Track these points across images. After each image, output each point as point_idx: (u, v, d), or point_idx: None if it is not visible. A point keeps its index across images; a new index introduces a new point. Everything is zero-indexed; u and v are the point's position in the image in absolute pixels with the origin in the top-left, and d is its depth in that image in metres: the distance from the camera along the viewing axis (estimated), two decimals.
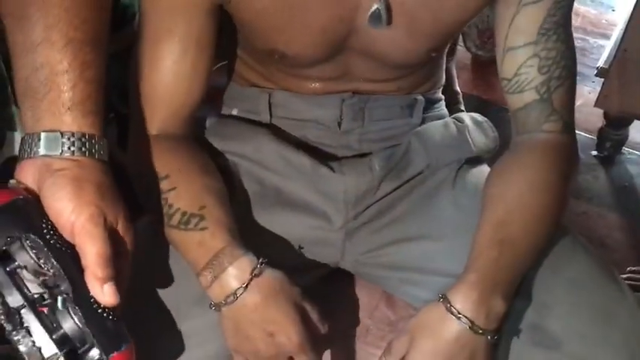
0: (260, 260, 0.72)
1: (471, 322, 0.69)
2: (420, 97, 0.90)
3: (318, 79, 0.84)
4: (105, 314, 0.61)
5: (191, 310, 0.76)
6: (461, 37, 1.77)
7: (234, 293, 0.70)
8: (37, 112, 0.62)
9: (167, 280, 0.77)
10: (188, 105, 0.79)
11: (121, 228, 0.63)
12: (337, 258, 0.87)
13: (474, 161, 0.89)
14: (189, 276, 0.75)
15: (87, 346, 0.60)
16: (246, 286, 0.70)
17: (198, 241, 0.72)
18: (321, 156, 0.86)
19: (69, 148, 0.61)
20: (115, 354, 0.60)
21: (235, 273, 0.70)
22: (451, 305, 0.69)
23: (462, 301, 0.69)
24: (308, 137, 0.88)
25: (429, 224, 0.84)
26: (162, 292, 0.77)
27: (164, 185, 0.75)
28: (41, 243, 0.60)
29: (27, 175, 0.62)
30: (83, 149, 0.62)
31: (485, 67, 1.88)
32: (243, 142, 0.87)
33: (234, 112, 0.91)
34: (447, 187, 0.86)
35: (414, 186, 0.86)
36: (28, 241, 0.60)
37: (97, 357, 0.60)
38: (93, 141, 0.63)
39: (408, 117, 0.89)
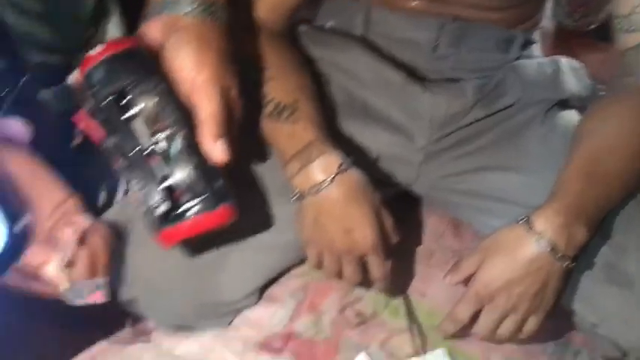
0: (348, 158, 0.73)
1: (552, 245, 0.69)
2: (519, 34, 0.89)
3: None
4: (213, 170, 0.62)
5: (274, 199, 0.77)
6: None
7: (320, 184, 0.71)
8: None
9: (253, 170, 0.79)
10: (289, 2, 0.80)
11: (233, 94, 0.65)
12: (412, 179, 0.87)
13: (565, 105, 0.88)
14: (274, 168, 0.77)
15: (189, 197, 0.62)
16: (332, 179, 0.71)
17: (289, 132, 0.74)
18: (413, 75, 0.86)
19: (194, 9, 0.63)
20: (220, 207, 0.61)
21: (323, 165, 0.72)
22: (532, 226, 0.69)
23: (545, 223, 0.69)
24: (400, 58, 0.87)
25: (515, 156, 0.83)
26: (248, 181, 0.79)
27: (262, 76, 0.76)
28: (166, 89, 0.61)
29: (152, 31, 0.63)
30: (207, 11, 0.63)
31: (569, 36, 1.84)
32: (337, 51, 0.87)
33: (329, 24, 0.91)
34: (537, 124, 0.85)
35: (503, 118, 0.86)
36: (153, 85, 0.61)
37: (198, 209, 0.61)
38: (216, 5, 0.64)
39: (505, 52, 0.88)
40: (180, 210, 0.62)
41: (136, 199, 0.62)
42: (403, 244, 0.88)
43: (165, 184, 0.62)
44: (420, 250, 0.89)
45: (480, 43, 0.86)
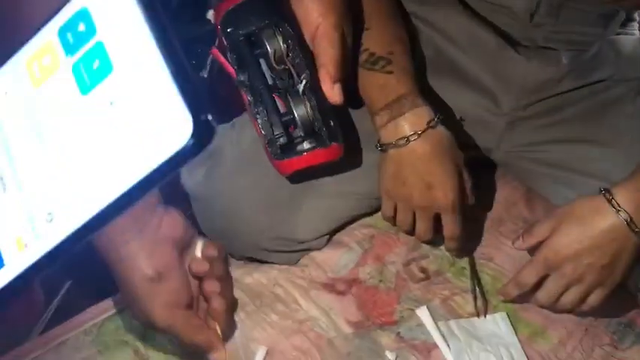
0: (438, 115, 0.73)
1: (630, 218, 0.68)
2: (620, 10, 0.87)
3: None
4: (329, 110, 0.67)
5: (357, 147, 0.79)
6: None
7: (407, 137, 0.72)
8: None
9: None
10: None
11: (349, 41, 0.68)
12: (492, 144, 0.87)
13: None
14: (359, 116, 0.78)
15: (306, 133, 0.67)
16: (420, 133, 0.72)
17: (382, 83, 0.74)
18: (506, 40, 0.85)
19: None
20: (332, 145, 0.66)
21: (412, 119, 0.73)
22: (613, 198, 0.69)
23: (626, 197, 0.69)
24: (496, 22, 0.86)
25: (601, 131, 0.82)
26: None
27: (357, 25, 0.76)
28: (292, 33, 0.66)
29: None
30: None
31: None
32: (431, 8, 0.87)
33: None
34: (629, 100, 0.84)
35: (595, 92, 0.84)
36: (281, 29, 0.67)
37: (310, 146, 0.67)
38: None
39: (603, 27, 0.86)
40: (297, 143, 0.69)
41: (259, 130, 0.68)
42: (475, 208, 0.89)
43: (286, 118, 0.67)
44: (491, 216, 0.89)
45: (578, 15, 0.84)
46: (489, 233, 0.87)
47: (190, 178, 0.83)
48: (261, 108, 0.68)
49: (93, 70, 0.29)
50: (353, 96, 0.78)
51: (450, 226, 0.76)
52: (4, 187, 0.30)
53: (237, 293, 0.80)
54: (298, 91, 0.67)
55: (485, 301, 0.81)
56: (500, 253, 0.85)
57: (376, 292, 0.81)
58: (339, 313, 0.79)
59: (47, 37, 0.30)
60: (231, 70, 0.70)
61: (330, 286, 0.81)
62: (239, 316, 0.77)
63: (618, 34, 0.88)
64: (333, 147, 0.67)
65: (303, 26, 0.66)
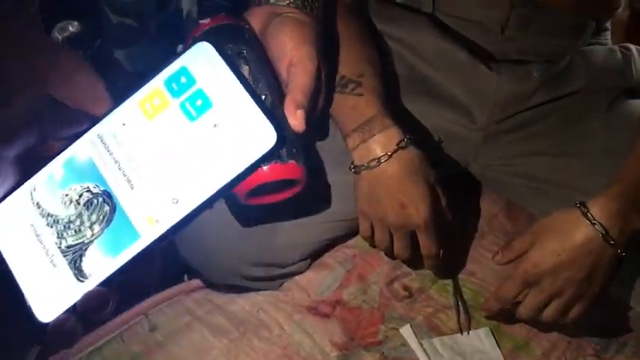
0: (407, 135, 0.74)
1: (606, 230, 0.69)
2: (591, 22, 0.87)
3: None
4: (291, 133, 0.67)
5: (332, 169, 0.79)
6: None
7: (378, 159, 0.73)
8: None
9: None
10: None
11: (323, 78, 0.68)
12: (470, 159, 0.88)
13: (633, 93, 0.87)
14: (332, 138, 0.79)
15: None
16: (391, 154, 0.73)
17: (353, 105, 0.75)
18: (478, 55, 0.86)
19: (294, 0, 0.69)
20: (290, 162, 0.65)
21: (383, 140, 0.73)
22: (588, 211, 0.70)
23: (601, 208, 0.70)
24: (467, 38, 0.87)
25: (577, 142, 0.83)
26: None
27: (335, 47, 0.77)
28: (256, 58, 0.67)
29: (254, 18, 0.69)
30: (306, 3, 0.69)
31: None
32: (403, 26, 0.87)
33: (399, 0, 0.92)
34: (602, 110, 0.84)
35: (568, 104, 0.85)
36: (245, 53, 0.67)
37: (275, 163, 0.66)
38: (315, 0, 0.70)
39: (574, 38, 0.87)
40: None
41: None
42: (455, 223, 0.90)
43: None
44: (472, 231, 0.89)
45: (549, 27, 0.85)
46: (471, 247, 0.88)
47: None
48: None
49: (197, 106, 0.43)
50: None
51: (426, 244, 0.76)
52: (132, 186, 0.44)
53: (220, 321, 0.81)
54: None
55: (469, 316, 0.82)
56: (482, 268, 0.85)
57: (360, 312, 0.82)
58: (323, 335, 0.80)
59: (154, 86, 0.44)
60: None
61: (313, 309, 0.82)
62: (223, 344, 0.78)
63: (590, 44, 0.88)
64: (290, 164, 0.65)
65: (278, 60, 0.67)
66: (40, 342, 0.45)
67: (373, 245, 0.80)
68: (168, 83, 0.44)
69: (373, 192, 0.74)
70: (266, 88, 0.68)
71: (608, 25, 0.93)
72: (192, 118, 0.43)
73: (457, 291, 0.83)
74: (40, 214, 0.45)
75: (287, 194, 0.67)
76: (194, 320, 0.80)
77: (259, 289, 0.83)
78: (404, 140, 0.73)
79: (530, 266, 0.73)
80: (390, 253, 0.79)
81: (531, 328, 0.80)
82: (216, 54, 0.43)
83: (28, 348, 0.49)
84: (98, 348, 0.78)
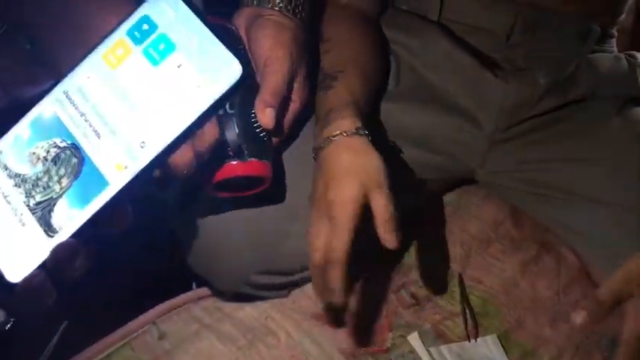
0: (367, 130, 0.69)
1: None
2: (596, 27, 0.87)
3: None
4: (260, 131, 0.69)
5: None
6: None
7: (333, 136, 0.69)
8: None
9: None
10: None
11: (298, 81, 0.70)
12: (476, 166, 0.88)
13: (638, 102, 0.87)
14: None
15: (233, 152, 0.69)
16: (347, 135, 0.68)
17: (322, 97, 0.75)
18: (485, 63, 0.86)
19: (278, 3, 0.71)
20: (252, 160, 0.68)
21: (341, 124, 0.69)
22: None
23: None
24: (473, 44, 0.87)
25: (584, 149, 0.83)
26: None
27: (322, 47, 0.78)
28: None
29: (241, 17, 0.73)
30: (289, 7, 0.72)
31: None
32: (411, 34, 0.88)
33: (404, 7, 0.92)
34: (611, 117, 0.84)
35: (575, 110, 0.85)
36: None
37: (233, 158, 0.69)
38: (299, 1, 0.72)
39: (580, 44, 0.87)
40: (225, 159, 0.70)
41: None
42: (462, 230, 0.90)
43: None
44: (479, 238, 0.89)
45: (554, 33, 0.85)
46: (477, 255, 0.88)
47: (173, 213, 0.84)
48: None
49: (160, 50, 0.44)
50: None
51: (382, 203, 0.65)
52: (98, 136, 0.44)
53: (228, 328, 0.81)
54: (231, 110, 0.69)
55: (476, 324, 0.82)
56: (489, 275, 0.85)
57: (368, 320, 0.82)
58: (331, 343, 0.80)
59: (117, 37, 0.46)
60: None
61: (321, 317, 0.82)
62: (231, 352, 0.78)
63: (595, 51, 0.89)
64: (252, 162, 0.68)
65: (254, 61, 0.69)
66: (7, 303, 0.44)
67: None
68: (130, 32, 0.46)
69: (317, 177, 0.69)
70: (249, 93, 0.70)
71: (614, 32, 0.93)
72: (155, 63, 0.44)
73: (464, 298, 0.83)
74: (8, 175, 0.46)
75: (254, 190, 0.70)
76: (202, 328, 0.81)
77: (267, 298, 0.83)
78: (361, 128, 0.69)
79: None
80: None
81: (540, 334, 0.80)
82: None
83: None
84: (107, 356, 0.78)
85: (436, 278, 0.84)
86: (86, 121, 0.45)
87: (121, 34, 0.46)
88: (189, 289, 0.87)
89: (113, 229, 0.44)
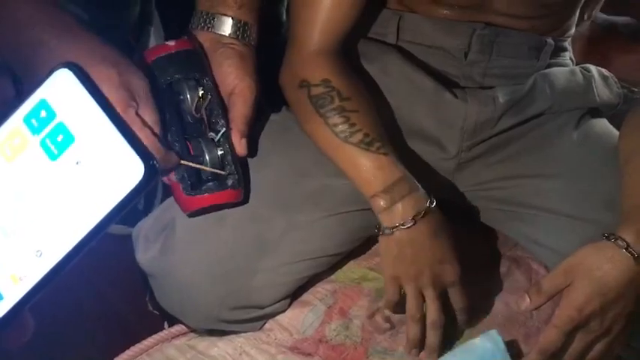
0: (431, 197, 0.76)
1: None
2: (550, 41, 0.89)
3: (453, 5, 0.84)
4: (234, 159, 0.76)
5: (305, 207, 0.79)
6: None
7: (414, 218, 0.74)
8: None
9: (285, 179, 0.81)
10: (346, 26, 0.81)
11: (258, 102, 0.79)
12: (445, 187, 0.88)
13: (596, 113, 0.89)
14: (305, 175, 0.79)
15: (210, 176, 0.75)
16: (423, 215, 0.74)
17: (379, 164, 0.75)
18: (444, 83, 0.87)
19: (234, 32, 0.78)
20: (228, 189, 0.75)
21: (412, 203, 0.74)
22: (622, 243, 0.69)
23: (635, 237, 0.69)
24: (432, 65, 0.88)
25: (547, 163, 0.84)
26: (277, 184, 0.80)
27: (347, 105, 0.78)
28: (212, 87, 0.75)
29: (202, 41, 0.78)
30: (245, 35, 0.79)
31: (602, 39, 1.82)
32: (369, 61, 0.88)
33: (362, 32, 0.93)
34: (569, 131, 0.86)
35: (534, 126, 0.86)
36: (202, 82, 0.75)
37: (212, 186, 0.75)
38: (249, 29, 0.79)
39: (535, 59, 0.88)
40: (204, 184, 0.76)
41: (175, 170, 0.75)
42: None
43: (197, 162, 0.74)
44: None
45: (510, 49, 0.87)
46: None
47: (145, 254, 0.82)
48: (176, 149, 0.73)
49: (58, 142, 0.39)
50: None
51: (461, 298, 0.77)
52: None
53: None
54: (213, 139, 0.76)
55: (451, 343, 0.82)
56: None
57: (344, 349, 0.81)
58: None
59: (14, 124, 0.40)
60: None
61: (297, 349, 0.81)
62: None
63: (551, 65, 0.90)
64: (228, 191, 0.75)
65: (220, 87, 0.76)
66: None
67: (397, 311, 0.79)
68: (27, 119, 0.40)
69: (405, 253, 0.75)
70: (222, 118, 0.76)
71: (568, 44, 0.95)
72: (53, 157, 0.39)
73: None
74: None
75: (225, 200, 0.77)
76: None
77: (241, 331, 0.82)
78: (431, 200, 0.75)
79: (575, 312, 0.70)
80: (421, 319, 0.77)
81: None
82: (77, 81, 0.39)
83: None
84: None
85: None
86: None
87: (17, 121, 0.40)
88: (161, 328, 0.86)
89: (10, 344, 0.42)
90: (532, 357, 0.73)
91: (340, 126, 0.76)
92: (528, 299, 0.72)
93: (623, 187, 0.74)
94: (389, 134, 0.80)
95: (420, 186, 0.76)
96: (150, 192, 1.13)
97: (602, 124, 0.86)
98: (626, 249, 0.69)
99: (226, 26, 0.78)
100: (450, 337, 0.80)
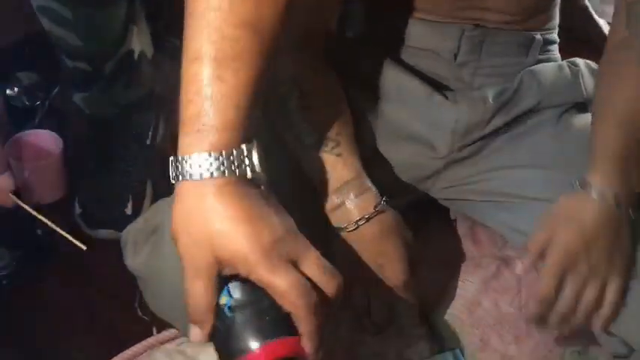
0: (384, 197, 0.75)
1: (615, 198, 0.72)
2: (538, 37, 0.88)
3: (442, 4, 0.83)
4: None
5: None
6: None
7: (356, 222, 0.73)
8: None
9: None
10: (324, 25, 0.81)
11: None
12: (429, 184, 0.88)
13: (582, 107, 0.88)
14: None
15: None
16: (369, 218, 0.73)
17: (332, 164, 0.75)
18: (434, 85, 0.86)
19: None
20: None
21: (360, 204, 0.73)
22: (592, 187, 0.72)
23: (602, 179, 0.72)
24: (421, 67, 0.87)
25: (528, 154, 0.85)
26: None
27: (304, 102, 0.77)
28: None
29: None
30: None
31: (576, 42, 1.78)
32: (360, 64, 0.87)
33: (350, 34, 0.92)
34: (551, 123, 0.86)
35: (520, 122, 0.86)
36: None
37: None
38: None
39: (523, 56, 0.87)
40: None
41: None
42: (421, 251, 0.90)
43: None
44: (438, 258, 0.89)
45: (499, 48, 0.86)
46: (438, 275, 0.88)
47: (135, 258, 0.82)
48: None
49: None
50: None
51: (409, 297, 0.77)
52: None
53: None
54: None
55: (441, 345, 0.82)
56: (450, 296, 0.85)
57: (333, 353, 0.81)
58: None
59: None
60: None
61: None
62: None
63: (540, 60, 0.89)
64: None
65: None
66: None
67: None
68: None
69: (350, 255, 0.74)
70: None
71: (556, 37, 0.94)
72: None
73: (427, 320, 0.83)
74: None
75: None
76: None
77: None
78: (381, 203, 0.74)
79: (562, 253, 0.72)
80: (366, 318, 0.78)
81: (505, 352, 0.81)
82: None
83: None
84: None
85: (397, 303, 0.84)
86: None
87: None
88: (150, 334, 0.86)
89: None
90: (530, 308, 0.75)
91: (298, 126, 0.76)
92: (522, 264, 0.78)
93: (590, 134, 0.76)
94: (372, 137, 0.79)
95: (371, 188, 0.75)
96: (139, 194, 1.13)
97: (586, 119, 0.85)
98: (597, 193, 0.72)
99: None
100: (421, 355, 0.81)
